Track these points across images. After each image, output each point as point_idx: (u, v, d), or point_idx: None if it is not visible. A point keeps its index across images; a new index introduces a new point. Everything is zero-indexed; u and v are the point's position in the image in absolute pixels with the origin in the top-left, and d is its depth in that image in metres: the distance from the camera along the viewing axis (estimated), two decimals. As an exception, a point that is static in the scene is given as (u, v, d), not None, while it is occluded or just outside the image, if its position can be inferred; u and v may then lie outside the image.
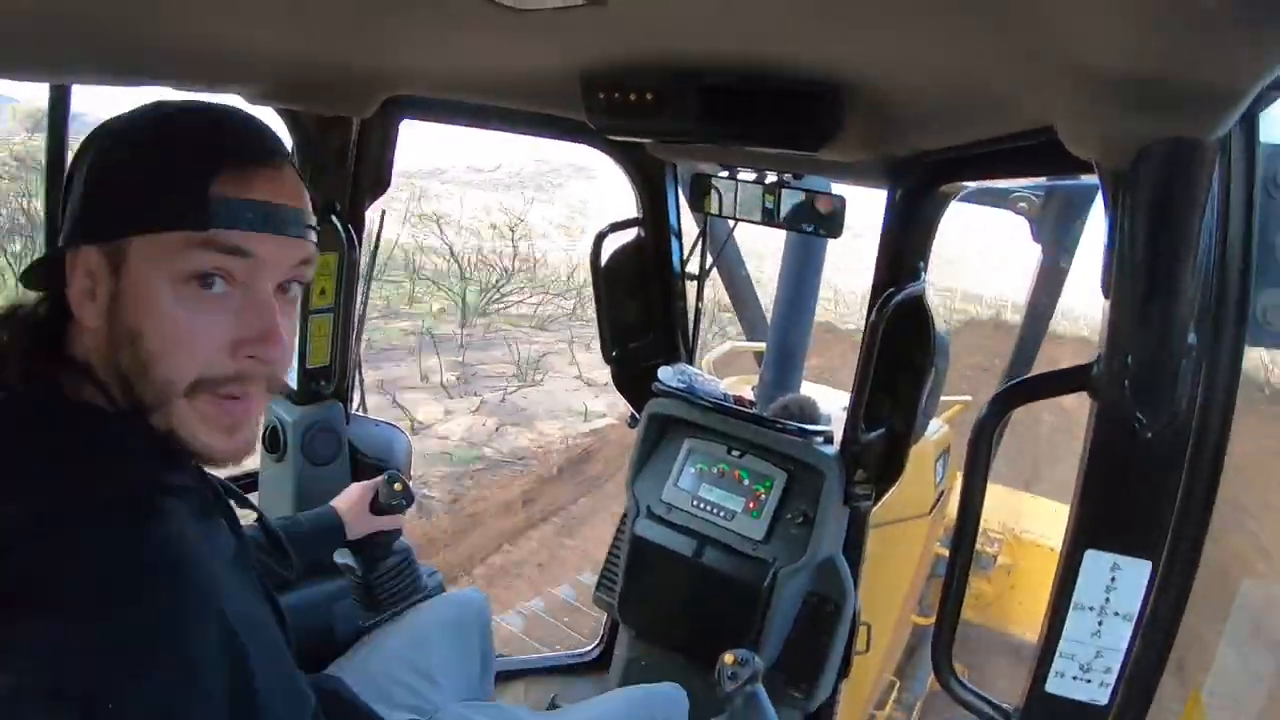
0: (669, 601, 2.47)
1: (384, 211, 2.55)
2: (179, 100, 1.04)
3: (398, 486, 1.91)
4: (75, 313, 0.98)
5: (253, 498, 2.48)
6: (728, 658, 1.60)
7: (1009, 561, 4.04)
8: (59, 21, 1.17)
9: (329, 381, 2.43)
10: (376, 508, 1.90)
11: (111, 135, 1.01)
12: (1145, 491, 1.06)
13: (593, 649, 3.03)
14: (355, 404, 2.65)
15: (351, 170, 2.30)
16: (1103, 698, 1.11)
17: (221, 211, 0.97)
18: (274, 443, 2.40)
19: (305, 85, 1.89)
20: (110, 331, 0.98)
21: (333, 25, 1.30)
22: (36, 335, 1.01)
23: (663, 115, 1.56)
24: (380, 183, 2.37)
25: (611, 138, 2.11)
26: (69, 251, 0.99)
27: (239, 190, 0.98)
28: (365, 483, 1.94)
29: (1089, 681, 1.11)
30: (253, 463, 2.53)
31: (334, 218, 2.27)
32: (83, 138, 1.03)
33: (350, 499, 1.91)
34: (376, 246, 2.51)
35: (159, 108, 1.02)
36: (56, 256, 1.01)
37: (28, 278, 1.04)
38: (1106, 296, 1.04)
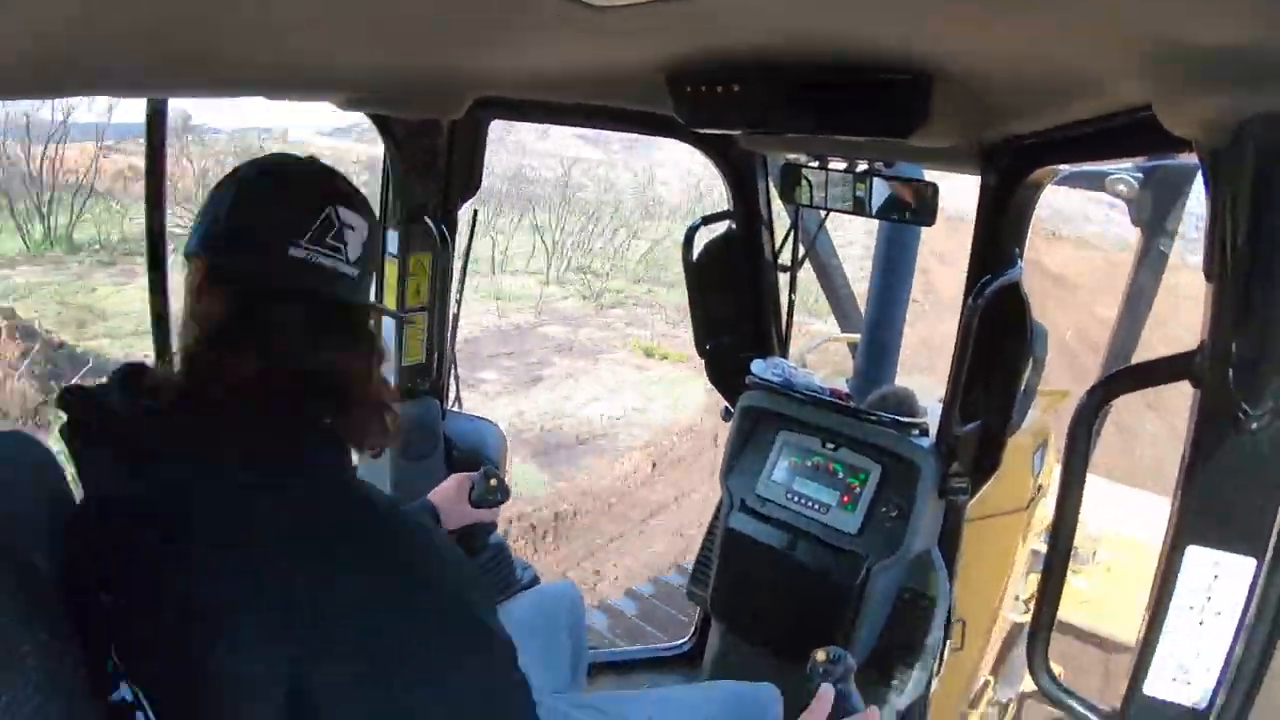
0: (762, 595, 2.46)
1: (475, 211, 2.59)
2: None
3: (493, 481, 1.93)
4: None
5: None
6: (819, 654, 1.57)
7: (1110, 558, 3.93)
8: (155, 37, 1.21)
9: (424, 378, 2.49)
10: (472, 501, 1.93)
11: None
12: (1249, 485, 1.02)
13: (685, 642, 3.03)
14: (451, 400, 2.70)
15: (443, 172, 2.34)
16: (1203, 700, 1.07)
17: None
18: (371, 437, 2.45)
19: (395, 91, 1.94)
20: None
21: (419, 31, 1.32)
22: None
23: (751, 107, 1.55)
24: (471, 183, 2.41)
25: (700, 131, 2.10)
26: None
27: None
28: (461, 475, 1.97)
29: (1189, 684, 1.07)
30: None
31: (426, 218, 2.32)
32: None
33: (446, 492, 1.94)
34: (470, 246, 2.54)
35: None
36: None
37: None
38: (1209, 280, 1.00)
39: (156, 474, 1.04)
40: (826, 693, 1.46)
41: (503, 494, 1.94)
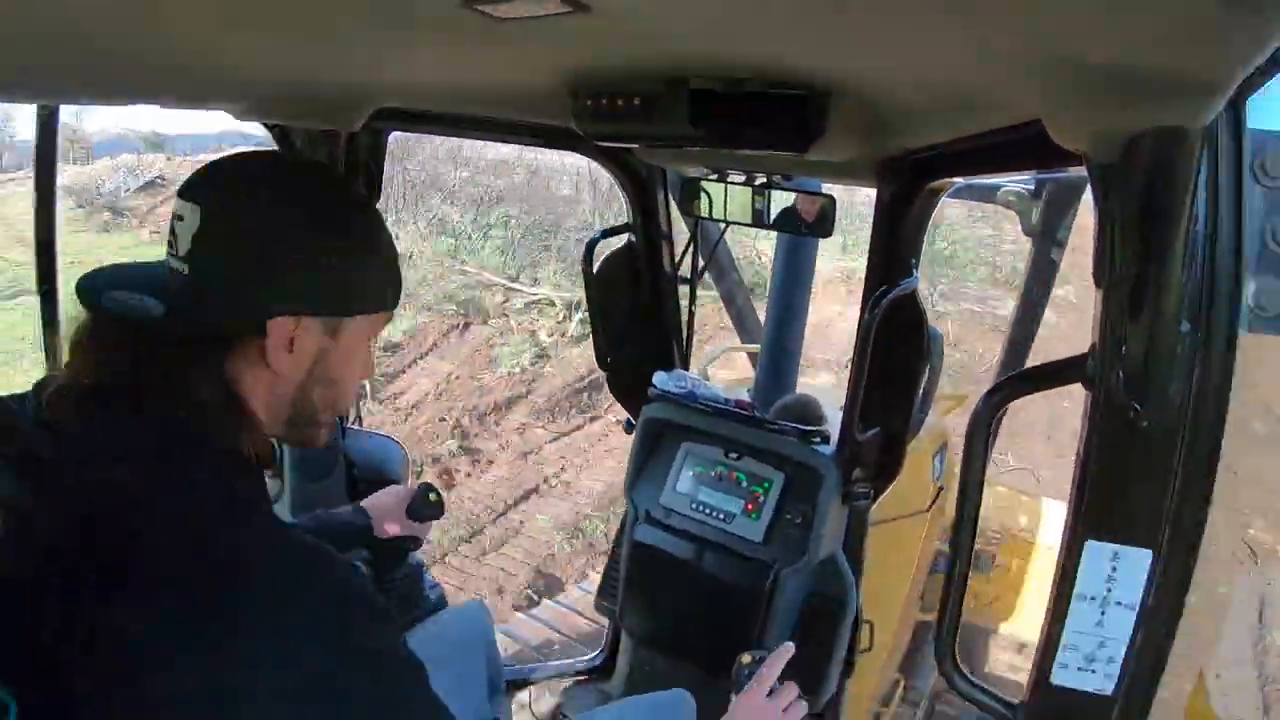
0: (671, 606, 2.47)
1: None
2: (314, 169, 1.25)
3: (431, 496, 1.97)
4: (272, 364, 1.09)
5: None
6: (744, 658, 1.60)
7: (1007, 561, 4.06)
8: (47, 42, 1.16)
9: (322, 395, 2.42)
10: (411, 513, 1.94)
11: (321, 217, 1.12)
12: (1143, 481, 1.07)
13: (596, 656, 3.02)
14: (350, 417, 2.64)
15: None
16: (1108, 687, 1.12)
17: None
18: (268, 459, 2.38)
19: (292, 100, 1.89)
20: (308, 376, 1.14)
21: (318, 40, 1.30)
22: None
23: (651, 120, 1.56)
24: (371, 195, 2.37)
25: (600, 144, 2.11)
26: (278, 317, 1.07)
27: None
28: (401, 488, 2.01)
29: (1094, 672, 1.11)
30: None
31: None
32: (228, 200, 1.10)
33: (384, 499, 1.96)
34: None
35: (340, 183, 1.24)
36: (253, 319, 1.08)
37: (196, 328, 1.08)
38: (1098, 287, 1.04)
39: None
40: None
41: (439, 510, 1.96)
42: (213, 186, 1.11)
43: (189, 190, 1.09)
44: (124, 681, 0.89)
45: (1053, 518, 4.30)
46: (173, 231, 1.09)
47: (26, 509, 0.96)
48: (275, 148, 1.89)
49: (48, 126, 1.97)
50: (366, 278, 1.16)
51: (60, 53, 1.25)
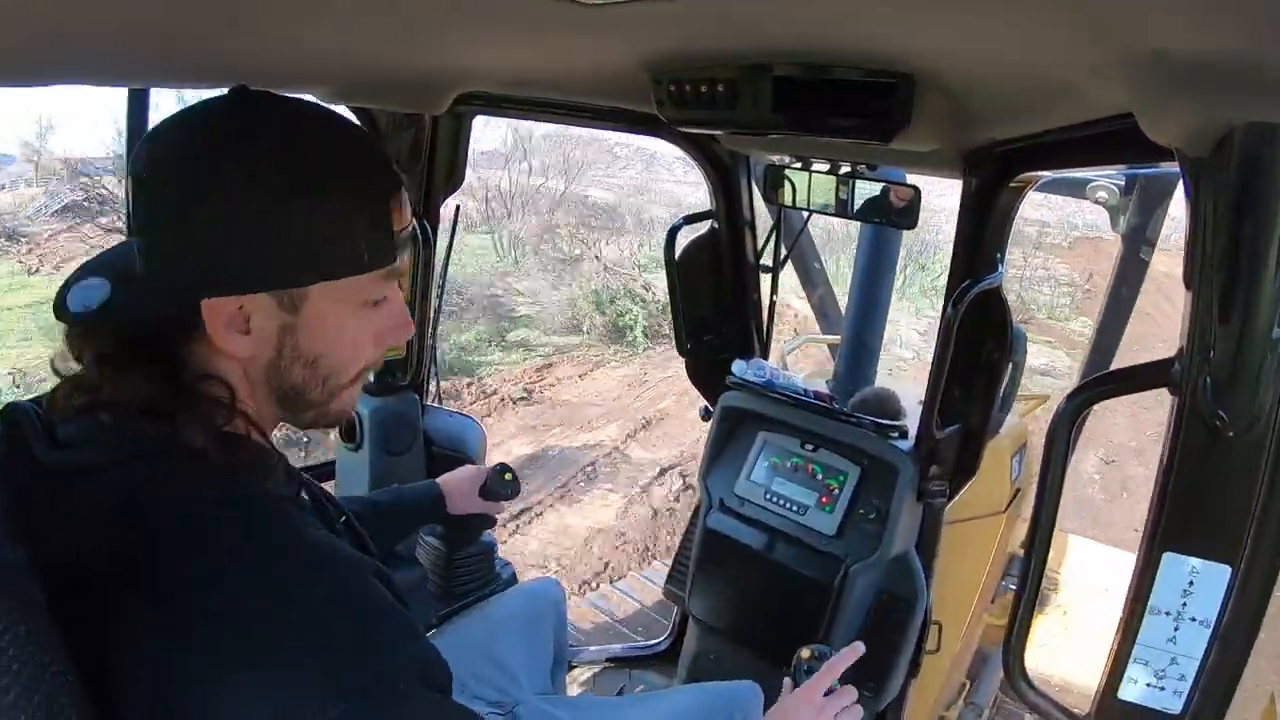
0: (739, 596, 2.46)
1: (458, 207, 2.58)
2: (282, 114, 1.03)
3: (508, 476, 1.98)
4: (221, 346, 0.98)
5: (330, 486, 2.54)
6: (804, 652, 1.58)
7: (1065, 602, 3.97)
8: (137, 27, 1.20)
9: (404, 373, 2.48)
10: (485, 492, 1.96)
11: (245, 176, 0.96)
12: (1226, 493, 1.03)
13: (662, 641, 3.04)
14: (430, 395, 2.70)
15: (425, 167, 2.33)
16: (1176, 706, 1.08)
17: (399, 247, 1.07)
18: (350, 433, 2.45)
19: (379, 84, 1.93)
20: (279, 356, 1.02)
21: (404, 24, 1.31)
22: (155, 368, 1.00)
23: (735, 107, 1.55)
24: (454, 179, 2.41)
25: (683, 130, 2.10)
26: (213, 298, 0.97)
27: (400, 221, 1.06)
28: (477, 466, 2.02)
29: (1163, 689, 1.08)
30: (329, 453, 2.59)
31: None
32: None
33: (460, 476, 1.98)
34: (451, 241, 2.54)
35: (280, 132, 1.01)
36: (187, 300, 0.97)
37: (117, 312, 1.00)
38: (1188, 288, 1.01)
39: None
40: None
41: (514, 489, 1.98)
42: (156, 154, 0.99)
43: (136, 160, 0.98)
44: (135, 691, 0.89)
45: (1080, 554, 4.22)
46: (128, 204, 1.00)
47: (37, 526, 0.93)
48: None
49: (139, 111, 2.04)
50: (323, 239, 0.99)
51: (152, 36, 1.28)
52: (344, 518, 1.31)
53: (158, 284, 0.98)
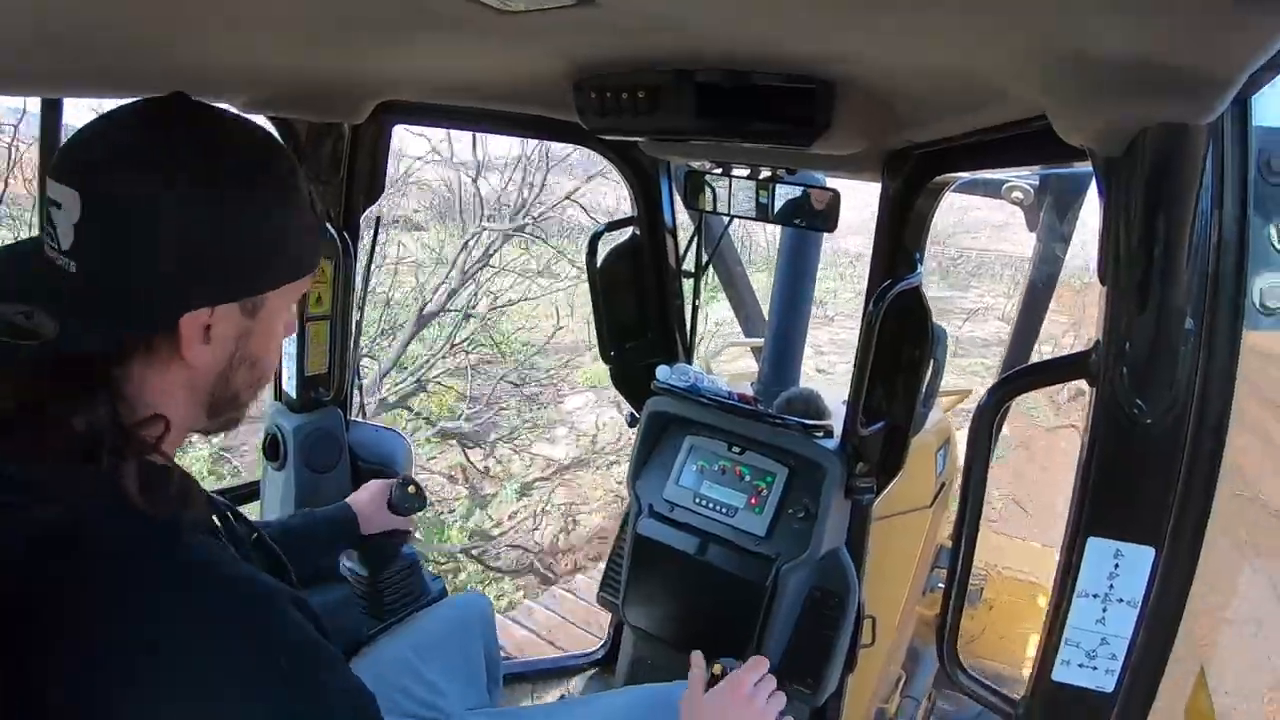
0: (673, 600, 2.47)
1: (378, 218, 2.55)
2: (225, 122, 1.00)
3: (411, 488, 1.96)
4: (189, 359, 0.97)
5: (254, 506, 2.49)
6: (716, 668, 1.61)
7: (992, 597, 4.07)
8: (53, 36, 1.17)
9: (327, 388, 2.43)
10: (391, 508, 1.94)
11: (210, 186, 0.93)
12: (1146, 478, 1.06)
13: (599, 649, 3.03)
14: (354, 410, 2.65)
15: (345, 177, 2.29)
16: (1109, 684, 1.12)
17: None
18: (274, 451, 2.40)
19: (298, 93, 1.90)
20: (230, 362, 1.02)
21: (322, 32, 1.30)
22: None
23: (655, 113, 1.56)
24: (374, 189, 2.37)
25: (604, 137, 2.11)
26: (189, 312, 0.95)
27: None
28: (381, 481, 1.99)
29: (1095, 669, 1.11)
30: (253, 472, 2.53)
31: (329, 225, 2.27)
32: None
33: (366, 495, 1.96)
34: (371, 254, 2.52)
35: (231, 142, 0.98)
36: (162, 318, 0.95)
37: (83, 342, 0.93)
38: (1103, 283, 1.04)
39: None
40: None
41: (420, 501, 1.96)
42: (90, 165, 0.92)
43: (61, 170, 0.91)
44: None
45: (1037, 559, 4.35)
46: (49, 220, 0.92)
47: None
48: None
49: (52, 121, 1.98)
50: (283, 245, 1.00)
51: (64, 46, 1.25)
52: (255, 535, 1.27)
53: (123, 302, 0.93)
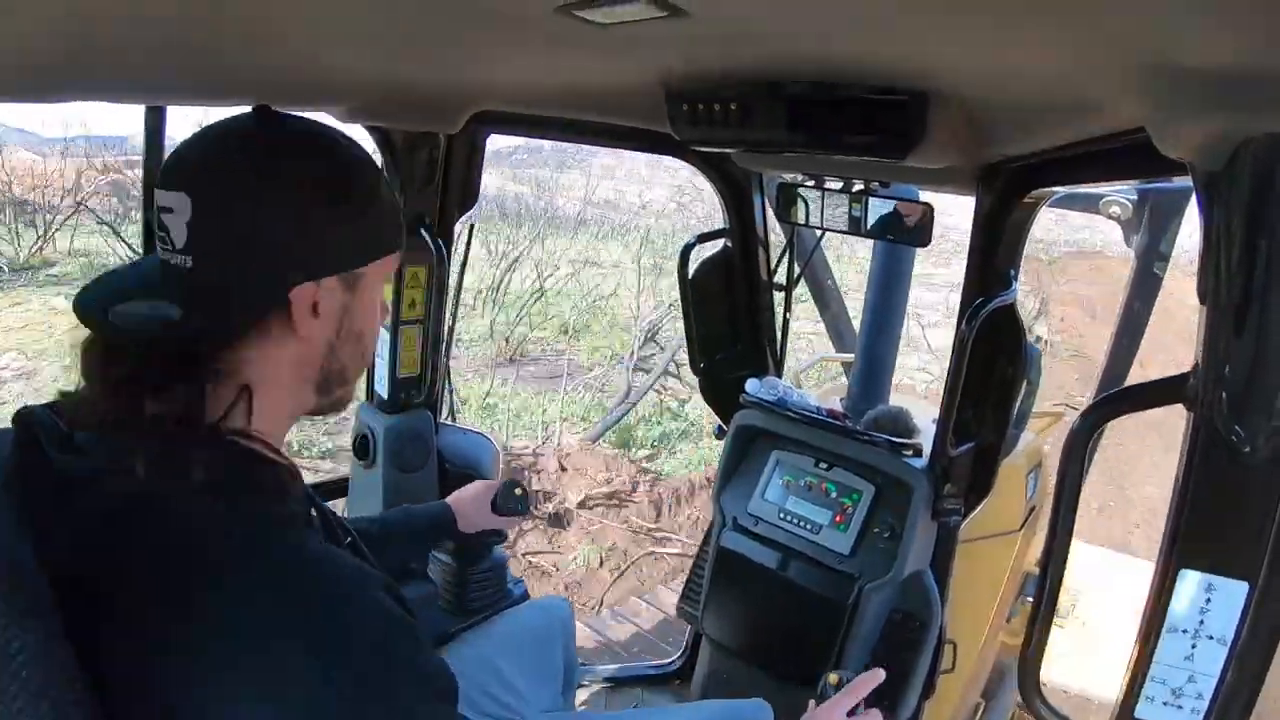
0: (753, 615, 2.45)
1: (472, 225, 2.60)
2: (311, 126, 1.11)
3: (518, 491, 1.99)
4: (301, 332, 1.06)
5: (342, 503, 2.55)
6: (832, 677, 1.58)
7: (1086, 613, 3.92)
8: (157, 45, 1.22)
9: (418, 391, 2.49)
10: (495, 508, 1.97)
11: (308, 177, 1.04)
12: (1243, 510, 1.02)
13: (675, 660, 3.02)
14: (444, 413, 2.70)
15: (440, 185, 2.34)
16: None
17: None
18: (364, 450, 2.46)
19: (394, 103, 1.95)
20: (337, 336, 1.11)
21: (419, 44, 1.33)
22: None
23: (748, 125, 1.56)
24: (468, 197, 2.42)
25: (696, 149, 2.11)
26: (296, 286, 1.04)
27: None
28: (487, 482, 2.03)
29: (1180, 708, 1.07)
30: (343, 469, 2.60)
31: (423, 231, 2.32)
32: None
33: (469, 494, 1.99)
34: (465, 260, 2.56)
35: (321, 140, 1.09)
36: (274, 294, 1.04)
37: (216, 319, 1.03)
38: (1203, 303, 1.00)
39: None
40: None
41: (525, 504, 1.98)
42: (197, 170, 1.03)
43: (170, 178, 1.02)
44: (140, 703, 0.92)
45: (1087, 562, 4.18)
46: (163, 226, 1.02)
47: (47, 529, 0.96)
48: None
49: (156, 128, 2.07)
50: (375, 226, 1.11)
51: (172, 56, 1.30)
52: (350, 539, 1.32)
53: (235, 286, 1.02)
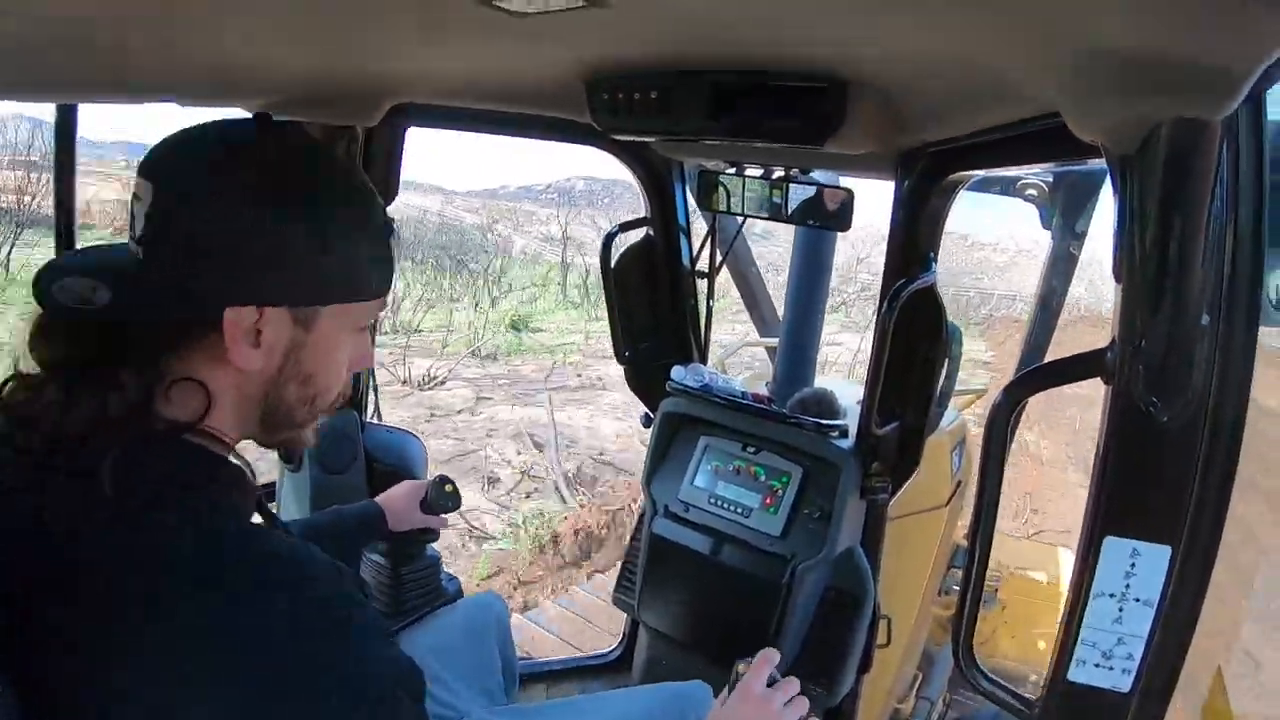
0: (688, 600, 2.47)
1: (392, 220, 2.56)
2: (305, 144, 1.07)
3: (448, 487, 1.98)
4: (236, 360, 0.99)
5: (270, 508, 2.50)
6: (740, 666, 1.59)
7: (1008, 597, 4.04)
8: (67, 41, 1.18)
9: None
10: (425, 506, 1.96)
11: (282, 197, 0.98)
12: (1162, 476, 1.06)
13: (614, 650, 3.03)
14: (370, 411, 2.66)
15: None
16: (1125, 684, 1.11)
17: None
18: (289, 453, 2.41)
19: (311, 96, 1.90)
20: (279, 373, 1.03)
21: (335, 35, 1.31)
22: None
23: (668, 114, 1.56)
24: (389, 192, 2.38)
25: (617, 138, 2.11)
26: (236, 307, 0.97)
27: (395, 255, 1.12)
28: (416, 481, 2.02)
29: (1111, 669, 1.11)
30: (269, 474, 2.55)
31: None
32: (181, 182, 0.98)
33: (399, 492, 1.98)
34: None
35: (309, 160, 1.04)
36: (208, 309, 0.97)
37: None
38: (1118, 281, 1.04)
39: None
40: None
41: (455, 501, 1.98)
42: (168, 160, 0.99)
43: (146, 165, 0.99)
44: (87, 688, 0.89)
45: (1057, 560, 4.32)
46: (131, 212, 1.00)
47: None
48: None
49: (66, 126, 2.00)
50: (343, 264, 1.02)
51: (80, 52, 1.26)
52: (286, 533, 1.29)
53: (175, 291, 0.97)
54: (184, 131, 1.01)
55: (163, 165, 0.99)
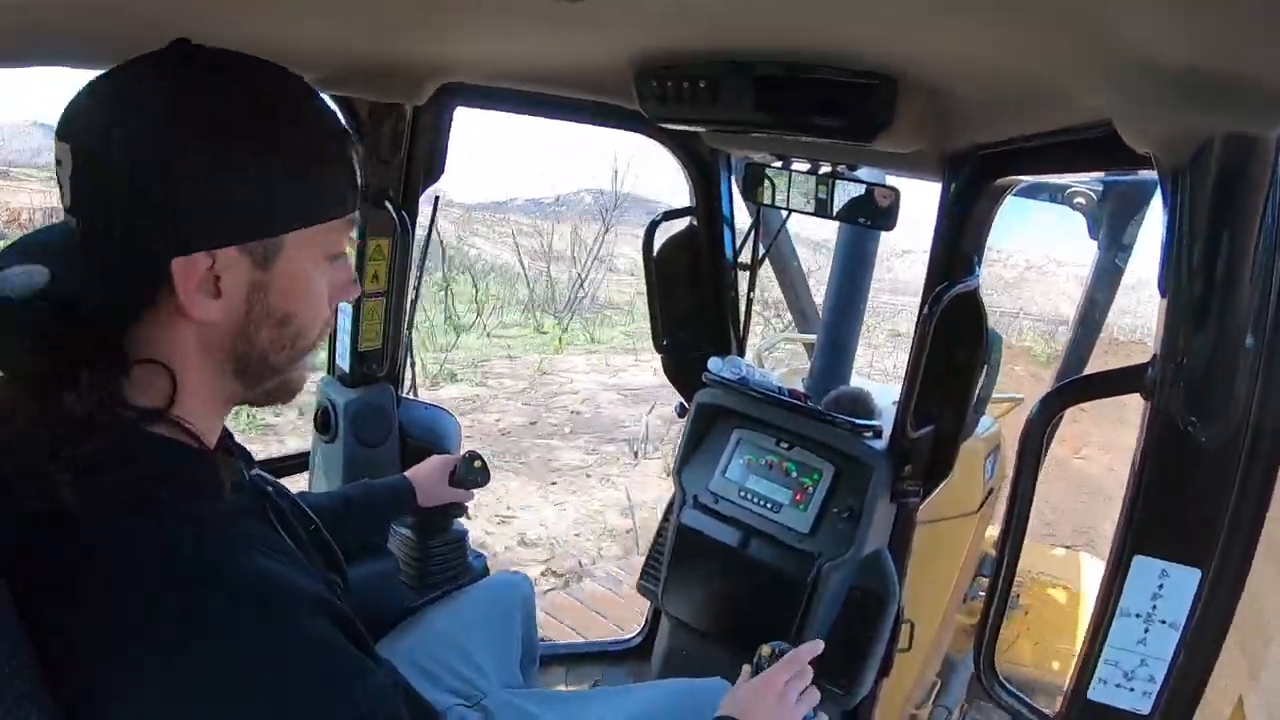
0: (712, 592, 2.47)
1: (437, 198, 2.57)
2: (231, 64, 0.94)
3: (477, 463, 2.01)
4: (194, 314, 0.91)
5: (303, 477, 2.53)
6: (765, 650, 1.59)
7: (1030, 603, 3.98)
8: (119, 14, 1.19)
9: (380, 364, 2.47)
10: (455, 481, 1.98)
11: (209, 125, 0.89)
12: (1197, 498, 1.04)
13: (634, 637, 3.04)
14: (406, 387, 2.69)
15: (405, 158, 2.32)
16: (1144, 707, 1.09)
17: (359, 192, 1.03)
18: (325, 424, 2.44)
19: (360, 73, 1.92)
20: (247, 318, 0.96)
21: (388, 13, 1.31)
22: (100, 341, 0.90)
23: (717, 104, 1.56)
24: (433, 170, 2.40)
25: (664, 126, 2.10)
26: (180, 256, 0.89)
27: (358, 168, 1.03)
28: (446, 456, 2.03)
29: (1132, 690, 1.09)
30: (304, 443, 2.58)
31: (388, 204, 2.30)
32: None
33: (428, 468, 2.00)
34: (430, 234, 2.54)
35: (236, 81, 0.94)
36: (154, 265, 0.90)
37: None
38: (1163, 295, 1.02)
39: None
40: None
41: (484, 476, 2.00)
42: (78, 117, 0.90)
43: (60, 126, 0.89)
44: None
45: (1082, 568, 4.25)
46: (59, 181, 0.91)
47: None
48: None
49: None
50: (290, 187, 0.93)
51: (130, 23, 1.27)
52: (313, 526, 1.27)
53: (115, 253, 0.90)
54: (90, 82, 0.91)
55: (75, 124, 0.90)
